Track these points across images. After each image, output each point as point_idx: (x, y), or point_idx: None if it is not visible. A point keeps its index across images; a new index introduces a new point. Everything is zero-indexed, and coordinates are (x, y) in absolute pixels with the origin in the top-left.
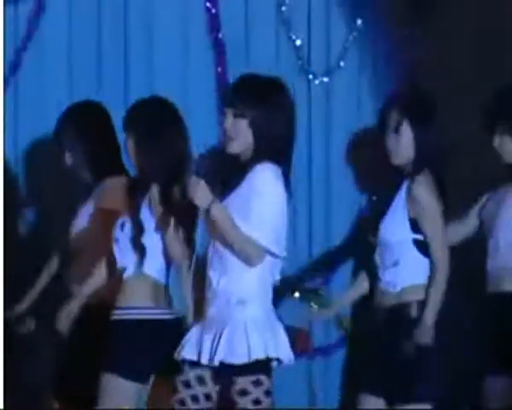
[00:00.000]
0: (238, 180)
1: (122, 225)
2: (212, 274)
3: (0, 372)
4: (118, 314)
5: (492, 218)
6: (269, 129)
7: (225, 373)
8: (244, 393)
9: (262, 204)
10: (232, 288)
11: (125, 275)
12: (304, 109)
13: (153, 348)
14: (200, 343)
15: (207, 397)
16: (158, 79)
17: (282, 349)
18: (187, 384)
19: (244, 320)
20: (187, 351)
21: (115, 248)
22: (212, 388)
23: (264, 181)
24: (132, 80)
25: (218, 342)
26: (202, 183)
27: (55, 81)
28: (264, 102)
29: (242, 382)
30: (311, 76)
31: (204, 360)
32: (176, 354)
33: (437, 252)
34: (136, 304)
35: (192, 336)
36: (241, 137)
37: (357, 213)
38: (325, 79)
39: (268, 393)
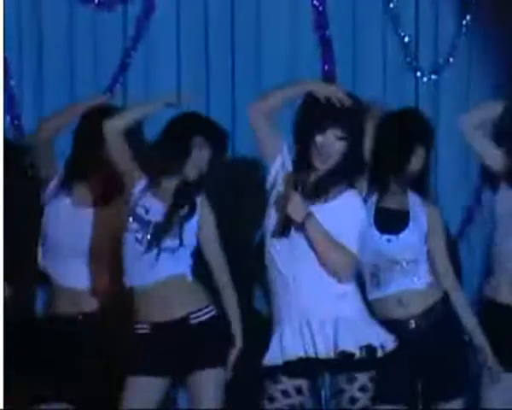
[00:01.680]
0: (324, 197)
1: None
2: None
3: (0, 372)
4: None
5: None
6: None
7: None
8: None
9: (353, 227)
10: (326, 285)
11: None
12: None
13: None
14: (304, 338)
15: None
16: (266, 77)
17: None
18: (286, 394)
19: (350, 311)
20: (292, 351)
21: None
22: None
23: (357, 207)
24: (240, 79)
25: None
26: (298, 197)
27: (163, 81)
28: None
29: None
30: (419, 73)
31: (323, 351)
32: (268, 360)
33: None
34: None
35: (284, 336)
36: (336, 157)
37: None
38: (433, 77)
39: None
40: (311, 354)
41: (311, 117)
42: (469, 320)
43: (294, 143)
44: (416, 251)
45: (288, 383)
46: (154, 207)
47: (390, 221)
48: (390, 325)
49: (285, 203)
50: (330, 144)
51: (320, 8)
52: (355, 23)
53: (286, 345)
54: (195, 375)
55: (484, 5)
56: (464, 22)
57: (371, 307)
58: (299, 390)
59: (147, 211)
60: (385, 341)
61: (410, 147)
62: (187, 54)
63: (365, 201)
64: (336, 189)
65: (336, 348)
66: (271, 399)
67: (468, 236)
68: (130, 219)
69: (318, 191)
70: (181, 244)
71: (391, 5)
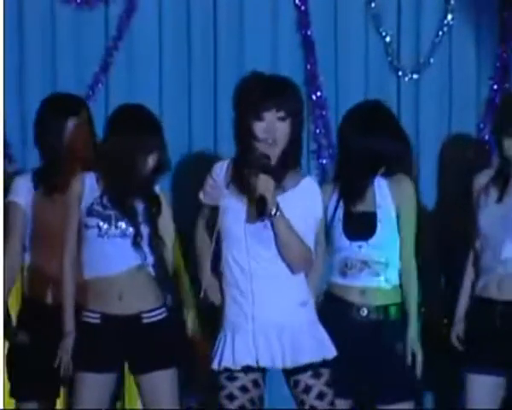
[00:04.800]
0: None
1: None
2: (254, 283)
3: (0, 372)
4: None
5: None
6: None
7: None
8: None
9: (314, 216)
10: (293, 291)
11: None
12: (393, 107)
13: None
14: (255, 348)
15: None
16: None
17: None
18: (244, 389)
19: (307, 321)
20: (241, 358)
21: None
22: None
23: (317, 195)
24: (222, 78)
25: (284, 344)
26: (266, 176)
27: (145, 81)
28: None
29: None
30: (400, 73)
31: (278, 364)
32: (216, 364)
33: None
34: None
35: (235, 342)
36: (284, 140)
37: None
38: (415, 76)
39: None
40: (264, 364)
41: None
42: (413, 315)
43: (236, 140)
44: (387, 252)
45: (244, 378)
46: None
47: (358, 227)
48: (344, 304)
49: (254, 186)
50: (274, 126)
51: (302, 8)
52: (337, 23)
53: (238, 353)
54: (149, 376)
55: (465, 5)
56: (445, 22)
57: (330, 289)
58: (255, 383)
59: (104, 207)
60: (328, 352)
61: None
62: (169, 53)
63: (336, 206)
64: (293, 177)
65: (285, 362)
66: (231, 397)
67: None
68: (87, 217)
69: (277, 178)
70: (143, 233)
71: (372, 5)
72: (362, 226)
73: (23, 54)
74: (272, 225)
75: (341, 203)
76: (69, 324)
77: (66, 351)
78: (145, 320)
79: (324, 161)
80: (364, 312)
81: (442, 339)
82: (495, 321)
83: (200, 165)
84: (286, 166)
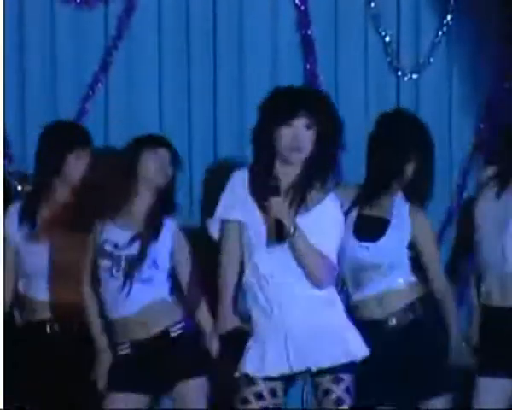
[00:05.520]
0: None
1: None
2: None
3: (0, 372)
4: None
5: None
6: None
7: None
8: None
9: (338, 232)
10: (319, 291)
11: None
12: (392, 107)
13: None
14: (287, 356)
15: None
16: (248, 77)
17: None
18: (259, 397)
19: (334, 321)
20: (274, 367)
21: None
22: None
23: (339, 210)
24: (222, 78)
25: (312, 346)
26: (278, 199)
27: (145, 80)
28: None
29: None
30: (399, 73)
31: (311, 366)
32: (248, 370)
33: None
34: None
35: (266, 354)
36: (308, 149)
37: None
38: (414, 76)
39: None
40: (295, 370)
41: (276, 110)
42: (455, 327)
43: (256, 148)
44: (395, 255)
45: (262, 386)
46: (122, 239)
47: (369, 228)
48: (370, 325)
49: (269, 212)
50: (300, 134)
51: (302, 8)
52: (337, 22)
53: (269, 362)
54: (180, 386)
55: (465, 5)
56: (445, 22)
57: (353, 310)
58: (273, 393)
59: (115, 245)
60: (359, 351)
61: (406, 152)
62: (169, 53)
63: (350, 209)
64: (318, 194)
65: (315, 364)
66: (245, 401)
67: (449, 237)
68: (100, 258)
69: (298, 194)
70: (156, 269)
71: (372, 5)
72: (373, 228)
73: (23, 54)
74: (291, 244)
75: (356, 207)
76: (100, 341)
77: (103, 367)
78: (172, 334)
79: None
80: (393, 321)
81: None
82: (504, 326)
83: (200, 165)
84: (310, 182)
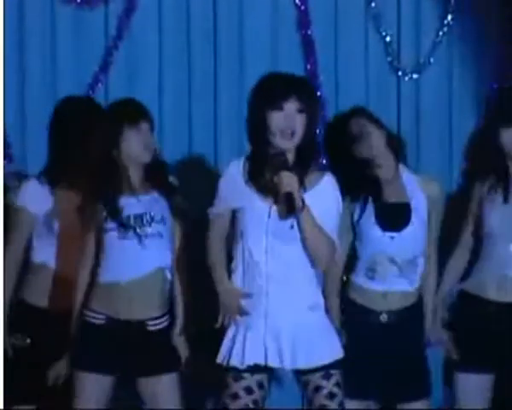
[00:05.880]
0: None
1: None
2: (270, 284)
3: (0, 372)
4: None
5: None
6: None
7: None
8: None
9: (336, 212)
10: (305, 294)
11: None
12: (393, 107)
13: None
14: (265, 347)
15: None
16: (248, 76)
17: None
18: (249, 390)
19: (319, 323)
20: (250, 356)
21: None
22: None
23: (337, 191)
24: (222, 78)
25: (294, 345)
26: (287, 172)
27: (145, 80)
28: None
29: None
30: (400, 73)
31: (286, 365)
32: (225, 361)
33: None
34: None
35: (246, 341)
36: (301, 133)
37: None
38: (415, 76)
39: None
40: (272, 364)
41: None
42: (434, 324)
43: (251, 136)
44: (417, 248)
45: (250, 379)
46: (128, 203)
47: (391, 217)
48: (364, 311)
49: (278, 184)
50: (293, 117)
51: (302, 8)
52: (337, 22)
53: (248, 350)
54: (151, 380)
55: (465, 5)
56: (446, 22)
57: (352, 287)
58: (260, 385)
59: (122, 209)
60: (336, 354)
61: None
62: (169, 53)
63: (365, 200)
64: (313, 176)
65: (294, 363)
66: (235, 396)
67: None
68: (106, 220)
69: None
70: (164, 225)
71: (372, 4)
72: (396, 216)
73: (23, 54)
74: (299, 221)
75: (370, 198)
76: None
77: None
78: (150, 328)
79: (324, 161)
80: (384, 318)
81: None
82: (489, 321)
83: (200, 165)
84: (305, 165)
